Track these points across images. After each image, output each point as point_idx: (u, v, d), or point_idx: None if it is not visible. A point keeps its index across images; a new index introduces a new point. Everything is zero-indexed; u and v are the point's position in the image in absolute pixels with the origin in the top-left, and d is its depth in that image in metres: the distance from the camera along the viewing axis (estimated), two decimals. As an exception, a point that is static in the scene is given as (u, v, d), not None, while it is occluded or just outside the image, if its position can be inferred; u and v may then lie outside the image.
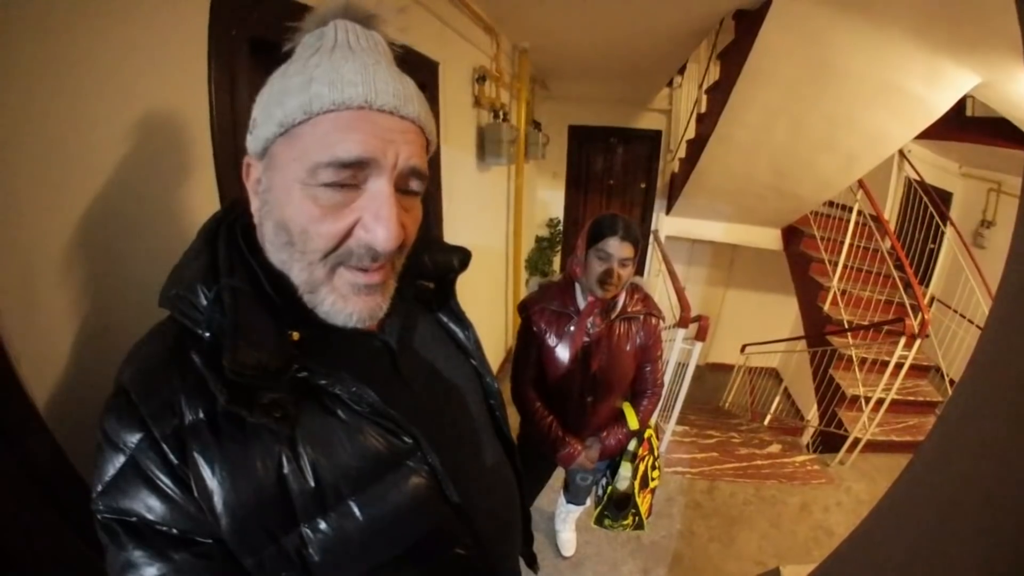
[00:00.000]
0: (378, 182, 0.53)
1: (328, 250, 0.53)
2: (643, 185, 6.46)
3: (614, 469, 1.75)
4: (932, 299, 5.20)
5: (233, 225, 0.60)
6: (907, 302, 3.91)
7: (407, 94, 0.55)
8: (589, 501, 2.06)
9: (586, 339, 1.54)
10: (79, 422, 0.76)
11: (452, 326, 0.83)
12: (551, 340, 1.56)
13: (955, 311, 4.28)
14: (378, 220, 0.52)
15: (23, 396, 0.70)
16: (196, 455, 0.49)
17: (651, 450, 1.75)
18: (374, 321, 0.60)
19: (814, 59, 2.66)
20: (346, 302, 0.56)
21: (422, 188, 0.59)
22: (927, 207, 4.71)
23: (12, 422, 0.69)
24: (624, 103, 6.01)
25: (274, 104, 0.52)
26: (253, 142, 0.55)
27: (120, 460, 0.49)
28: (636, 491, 1.70)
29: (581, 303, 1.55)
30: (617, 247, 1.40)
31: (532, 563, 1.07)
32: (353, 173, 0.51)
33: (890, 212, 5.18)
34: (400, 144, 0.53)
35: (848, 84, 2.79)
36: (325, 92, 0.50)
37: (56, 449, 0.74)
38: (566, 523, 2.38)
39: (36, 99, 0.70)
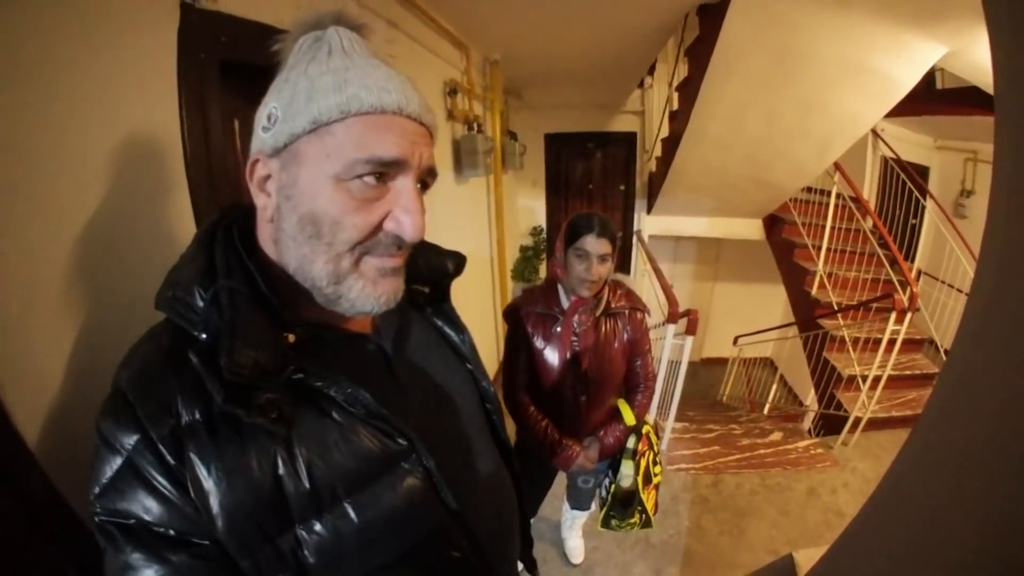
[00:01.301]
0: (405, 180, 0.57)
1: (358, 240, 0.56)
2: (622, 187, 6.49)
3: (615, 468, 1.73)
4: (919, 273, 5.25)
5: (230, 228, 0.61)
6: (894, 278, 3.94)
7: (426, 105, 0.59)
8: (594, 506, 2.03)
9: (574, 339, 1.53)
10: (67, 450, 0.76)
11: (447, 330, 0.85)
12: (539, 343, 1.55)
13: (943, 282, 4.31)
14: (407, 213, 0.57)
15: (8, 426, 0.70)
16: (193, 456, 0.50)
17: (651, 446, 1.73)
18: (396, 302, 0.61)
19: (779, 46, 2.68)
20: (375, 286, 0.59)
21: (433, 184, 0.64)
22: (905, 183, 4.76)
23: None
24: (598, 107, 6.06)
25: (303, 101, 0.53)
26: (271, 138, 0.56)
27: (117, 462, 0.49)
28: (640, 487, 1.68)
29: (565, 304, 1.54)
30: (594, 244, 1.40)
31: (532, 568, 1.06)
32: (387, 171, 0.55)
33: (869, 192, 5.21)
34: (421, 146, 0.58)
35: (815, 68, 2.82)
36: (364, 95, 0.53)
37: (44, 478, 0.73)
38: (572, 530, 2.34)
39: (22, 121, 0.73)
